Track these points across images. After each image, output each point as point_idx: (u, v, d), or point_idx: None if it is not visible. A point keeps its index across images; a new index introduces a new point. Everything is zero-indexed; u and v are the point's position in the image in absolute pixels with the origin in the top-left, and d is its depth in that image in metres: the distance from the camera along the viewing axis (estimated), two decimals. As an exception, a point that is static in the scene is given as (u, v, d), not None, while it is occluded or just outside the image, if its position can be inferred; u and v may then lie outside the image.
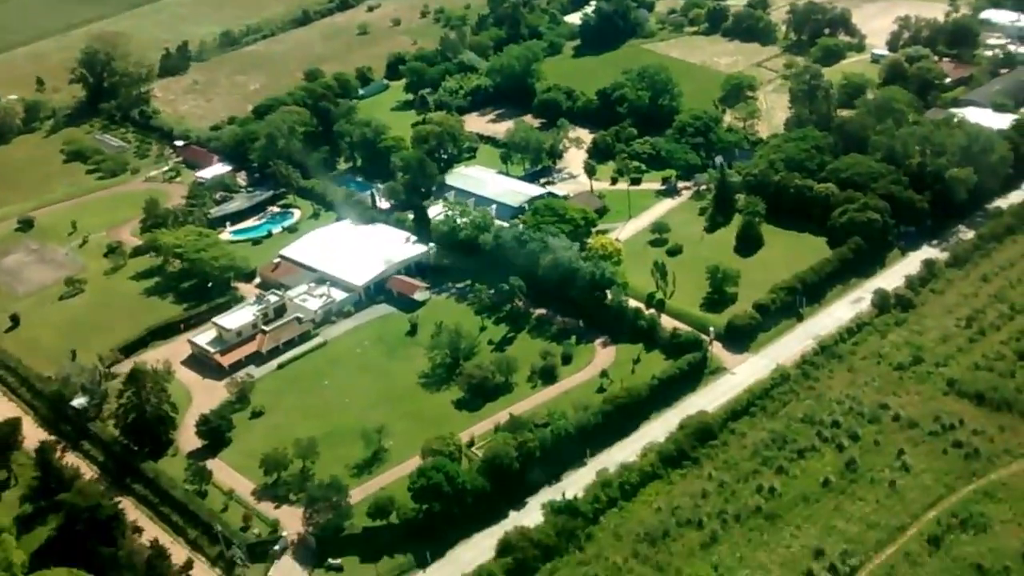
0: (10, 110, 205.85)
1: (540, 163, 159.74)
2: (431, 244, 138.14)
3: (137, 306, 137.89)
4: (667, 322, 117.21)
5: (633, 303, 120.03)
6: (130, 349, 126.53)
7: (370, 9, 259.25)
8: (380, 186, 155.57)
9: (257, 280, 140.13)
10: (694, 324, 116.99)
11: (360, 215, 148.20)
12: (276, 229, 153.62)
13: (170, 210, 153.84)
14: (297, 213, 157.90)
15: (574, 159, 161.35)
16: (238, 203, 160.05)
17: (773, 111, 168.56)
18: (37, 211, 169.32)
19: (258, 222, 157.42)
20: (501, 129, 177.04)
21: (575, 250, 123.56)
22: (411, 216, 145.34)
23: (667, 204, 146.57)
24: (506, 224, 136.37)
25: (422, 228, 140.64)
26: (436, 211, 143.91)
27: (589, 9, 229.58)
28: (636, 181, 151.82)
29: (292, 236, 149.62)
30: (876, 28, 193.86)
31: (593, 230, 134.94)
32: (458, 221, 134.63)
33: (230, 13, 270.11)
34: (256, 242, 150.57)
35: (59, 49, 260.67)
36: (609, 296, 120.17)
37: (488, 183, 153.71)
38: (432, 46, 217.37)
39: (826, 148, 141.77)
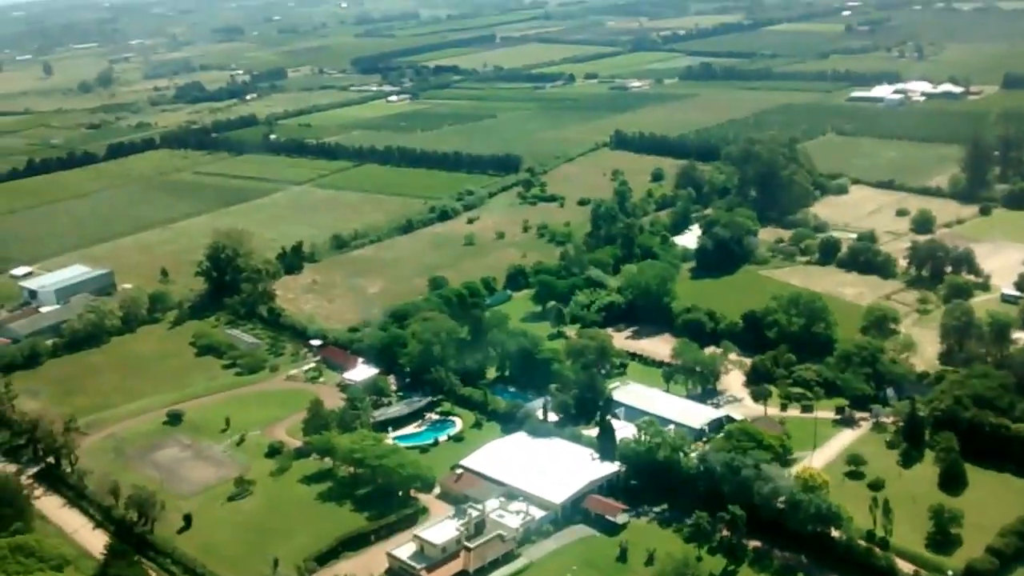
0: (138, 300, 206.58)
1: (707, 384, 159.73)
2: (619, 463, 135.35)
3: (313, 512, 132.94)
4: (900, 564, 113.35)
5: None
6: (322, 559, 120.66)
7: (470, 221, 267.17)
8: (549, 398, 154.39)
9: (437, 491, 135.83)
10: (925, 566, 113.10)
11: (533, 428, 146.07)
12: (442, 437, 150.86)
13: (334, 412, 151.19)
14: (459, 421, 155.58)
15: (729, 382, 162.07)
16: (398, 409, 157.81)
17: (921, 345, 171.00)
18: (180, 405, 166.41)
19: (418, 429, 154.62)
20: (640, 346, 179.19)
21: (792, 480, 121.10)
22: (586, 431, 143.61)
23: (848, 434, 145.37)
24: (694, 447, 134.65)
25: (607, 445, 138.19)
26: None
27: (694, 230, 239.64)
28: (808, 408, 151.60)
29: (460, 446, 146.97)
30: (995, 267, 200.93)
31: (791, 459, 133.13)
32: (653, 441, 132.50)
33: (328, 216, 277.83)
34: (423, 450, 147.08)
35: (162, 241, 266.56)
36: (836, 532, 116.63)
37: (659, 402, 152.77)
38: (537, 259, 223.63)
39: (1010, 386, 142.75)
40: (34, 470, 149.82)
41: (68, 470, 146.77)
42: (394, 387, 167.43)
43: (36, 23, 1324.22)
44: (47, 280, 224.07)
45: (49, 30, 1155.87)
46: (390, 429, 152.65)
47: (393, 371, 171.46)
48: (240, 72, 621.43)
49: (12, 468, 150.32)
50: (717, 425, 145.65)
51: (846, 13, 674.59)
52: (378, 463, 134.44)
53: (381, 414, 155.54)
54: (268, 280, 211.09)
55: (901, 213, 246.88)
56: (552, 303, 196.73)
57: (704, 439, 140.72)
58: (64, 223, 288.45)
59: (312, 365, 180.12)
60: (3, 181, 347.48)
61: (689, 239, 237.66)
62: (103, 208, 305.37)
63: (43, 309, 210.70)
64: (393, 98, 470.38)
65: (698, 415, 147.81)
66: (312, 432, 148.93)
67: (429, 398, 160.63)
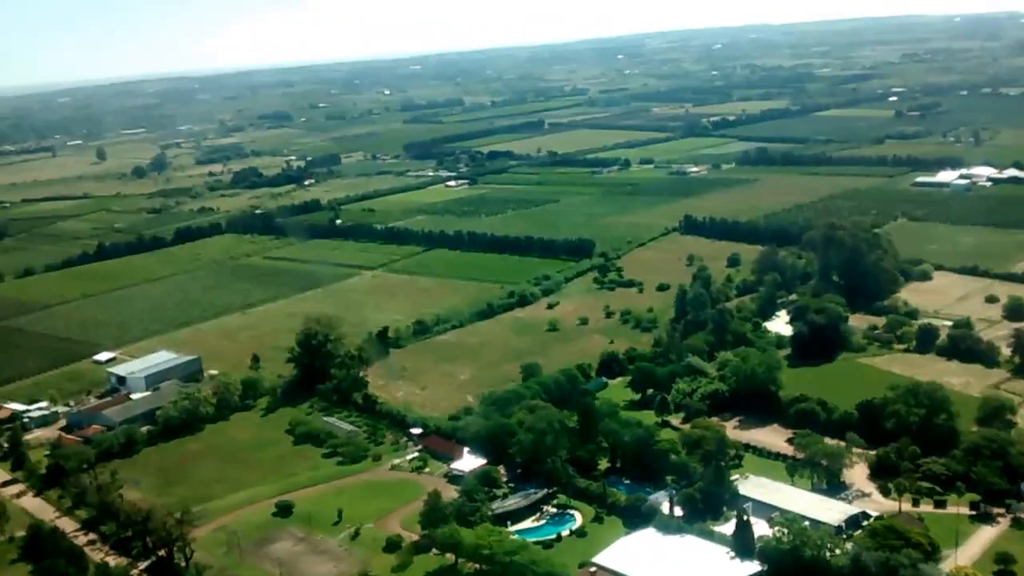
0: (231, 386, 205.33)
1: (832, 478, 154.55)
2: (759, 561, 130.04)
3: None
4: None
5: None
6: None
7: (550, 307, 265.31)
8: (674, 492, 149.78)
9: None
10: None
11: (663, 524, 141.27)
12: (564, 532, 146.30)
13: (452, 504, 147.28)
14: (578, 515, 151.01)
15: (853, 476, 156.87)
16: (515, 501, 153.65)
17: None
18: (287, 496, 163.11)
19: (537, 523, 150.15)
20: (752, 436, 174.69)
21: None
22: (715, 527, 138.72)
23: (988, 531, 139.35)
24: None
25: (745, 542, 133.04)
26: (730, 527, 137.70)
27: (781, 316, 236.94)
28: (941, 504, 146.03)
29: (583, 541, 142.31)
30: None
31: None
32: (797, 539, 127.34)
33: (405, 302, 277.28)
34: (546, 546, 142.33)
35: (243, 327, 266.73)
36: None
37: (788, 496, 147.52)
38: (625, 346, 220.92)
39: None
40: (144, 564, 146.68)
41: (183, 564, 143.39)
42: (504, 478, 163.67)
43: (82, 108, 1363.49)
44: (135, 366, 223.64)
45: (97, 115, 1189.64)
46: (508, 523, 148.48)
47: (502, 461, 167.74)
48: (293, 158, 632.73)
49: (122, 561, 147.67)
50: (854, 521, 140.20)
51: (893, 99, 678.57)
52: (508, 560, 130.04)
53: (499, 507, 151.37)
54: (360, 366, 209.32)
55: (991, 300, 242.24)
56: (651, 391, 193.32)
57: (844, 536, 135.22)
58: (141, 308, 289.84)
59: (415, 454, 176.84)
60: (75, 265, 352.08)
61: (778, 325, 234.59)
62: (178, 292, 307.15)
63: (134, 396, 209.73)
64: (451, 183, 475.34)
65: (833, 511, 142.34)
66: (429, 525, 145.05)
67: (545, 490, 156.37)
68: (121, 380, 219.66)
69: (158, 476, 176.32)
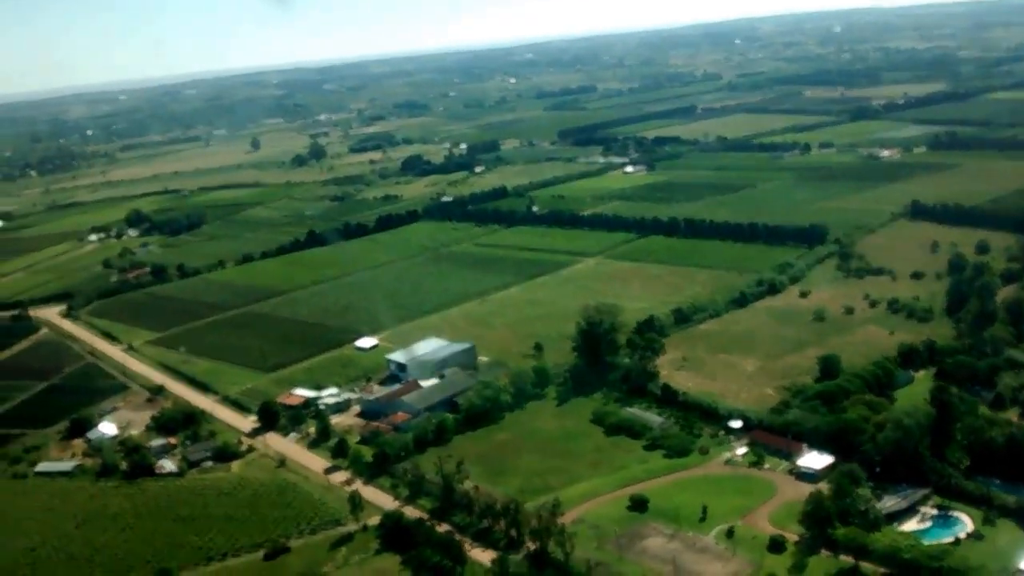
0: (524, 375, 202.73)
1: None
2: None
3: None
4: None
5: None
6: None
7: (803, 295, 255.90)
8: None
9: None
10: None
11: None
12: (959, 535, 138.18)
13: (838, 504, 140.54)
14: (965, 518, 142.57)
15: None
16: (895, 502, 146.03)
17: None
18: (627, 489, 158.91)
19: (922, 526, 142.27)
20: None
21: None
22: None
23: None
24: None
25: None
26: None
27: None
28: None
29: (982, 545, 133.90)
30: None
31: None
32: None
33: (640, 289, 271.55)
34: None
35: (489, 313, 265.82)
36: None
37: None
38: (906, 337, 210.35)
39: None
40: (517, 556, 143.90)
41: (561, 557, 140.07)
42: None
43: (213, 99, 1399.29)
44: (415, 353, 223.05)
45: (231, 106, 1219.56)
46: (895, 524, 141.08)
47: (851, 459, 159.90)
48: (448, 145, 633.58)
49: (491, 553, 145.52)
50: None
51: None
52: (938, 566, 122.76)
53: (884, 508, 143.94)
54: (652, 356, 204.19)
55: None
56: (971, 386, 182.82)
57: None
58: (376, 294, 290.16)
59: (745, 449, 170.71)
60: (288, 252, 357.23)
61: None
62: (405, 279, 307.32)
63: (423, 383, 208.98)
64: (629, 169, 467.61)
65: None
66: (814, 525, 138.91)
67: (924, 490, 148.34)
68: (401, 367, 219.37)
69: (481, 465, 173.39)
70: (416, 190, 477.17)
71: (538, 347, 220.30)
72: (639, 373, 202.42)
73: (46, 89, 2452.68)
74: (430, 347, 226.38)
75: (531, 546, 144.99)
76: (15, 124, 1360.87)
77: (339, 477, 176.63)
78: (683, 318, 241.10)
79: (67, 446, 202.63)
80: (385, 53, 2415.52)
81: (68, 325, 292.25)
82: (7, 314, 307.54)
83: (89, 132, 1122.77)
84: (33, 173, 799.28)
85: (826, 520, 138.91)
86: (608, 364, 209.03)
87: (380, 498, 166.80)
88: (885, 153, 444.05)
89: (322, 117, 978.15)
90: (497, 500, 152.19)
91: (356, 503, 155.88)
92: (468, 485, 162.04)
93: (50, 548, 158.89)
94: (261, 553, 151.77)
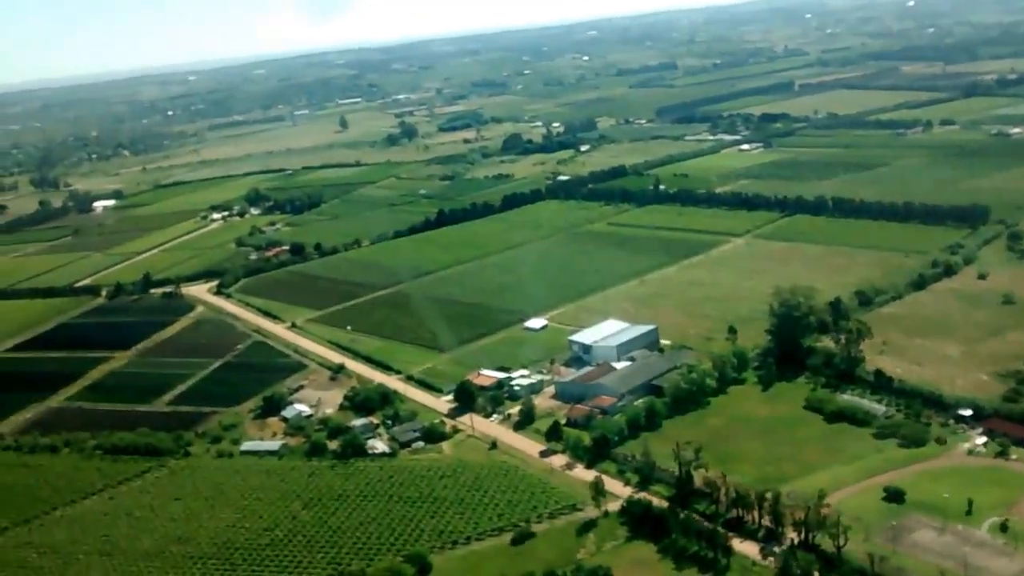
0: (725, 359, 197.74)
1: None
2: None
3: None
4: None
5: None
6: None
7: (981, 277, 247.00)
8: None
9: None
10: None
11: None
12: None
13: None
14: None
15: None
16: None
17: None
18: (871, 480, 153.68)
19: None
20: None
21: None
22: None
23: None
24: None
25: None
26: None
27: None
28: None
29: None
30: None
31: None
32: None
33: (806, 270, 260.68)
34: None
35: (653, 295, 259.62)
36: None
37: None
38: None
39: None
40: (779, 548, 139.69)
41: (833, 550, 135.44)
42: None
43: (284, 79, 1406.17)
44: (598, 335, 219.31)
45: (306, 87, 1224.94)
46: None
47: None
48: (546, 123, 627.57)
49: (748, 545, 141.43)
50: None
51: None
52: None
53: None
54: (858, 340, 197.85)
55: None
56: None
57: None
58: (526, 274, 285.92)
59: (985, 439, 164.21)
60: (419, 231, 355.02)
61: None
62: (550, 259, 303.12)
63: (615, 365, 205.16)
64: (745, 147, 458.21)
65: None
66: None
67: None
68: (586, 349, 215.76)
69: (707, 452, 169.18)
70: (524, 169, 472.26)
71: (731, 330, 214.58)
72: (844, 358, 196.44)
73: (111, 71, 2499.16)
74: (611, 329, 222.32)
75: (793, 537, 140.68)
76: (91, 105, 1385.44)
77: (557, 461, 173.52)
78: (866, 300, 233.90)
79: (263, 425, 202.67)
80: (445, 33, 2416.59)
81: (221, 303, 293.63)
82: (157, 291, 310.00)
83: (170, 112, 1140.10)
84: (126, 153, 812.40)
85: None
86: (806, 348, 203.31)
87: (607, 484, 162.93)
88: (1016, 130, 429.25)
89: (400, 97, 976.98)
90: (749, 489, 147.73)
91: (599, 489, 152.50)
92: (704, 472, 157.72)
93: (285, 530, 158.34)
94: (506, 537, 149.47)
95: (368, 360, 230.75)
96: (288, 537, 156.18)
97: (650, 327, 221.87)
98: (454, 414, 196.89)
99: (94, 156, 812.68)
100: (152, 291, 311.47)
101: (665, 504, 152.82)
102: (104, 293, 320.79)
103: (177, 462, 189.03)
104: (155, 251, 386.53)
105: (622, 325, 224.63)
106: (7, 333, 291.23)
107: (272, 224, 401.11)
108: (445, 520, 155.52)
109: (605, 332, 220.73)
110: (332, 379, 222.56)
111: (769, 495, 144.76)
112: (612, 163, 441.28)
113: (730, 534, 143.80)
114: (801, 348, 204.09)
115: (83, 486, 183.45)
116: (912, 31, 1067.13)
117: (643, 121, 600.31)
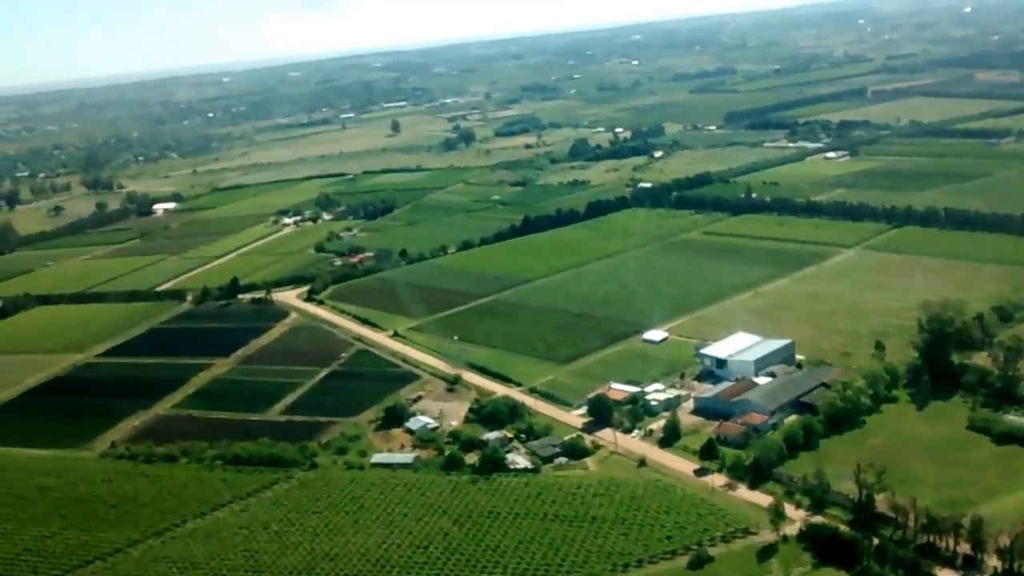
0: (878, 376, 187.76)
1: None
2: None
3: None
4: None
5: None
6: None
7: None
8: None
9: None
10: None
11: None
12: None
13: None
14: None
15: None
16: None
17: None
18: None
19: None
20: None
21: None
22: None
23: None
24: None
25: None
26: None
27: None
28: None
29: None
30: None
31: None
32: None
33: (930, 284, 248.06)
34: None
35: (772, 307, 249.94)
36: None
37: None
38: None
39: None
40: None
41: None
42: None
43: (323, 82, 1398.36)
44: (732, 349, 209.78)
45: (347, 89, 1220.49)
46: None
47: None
48: (608, 128, 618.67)
49: (948, 573, 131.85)
50: None
51: None
52: None
53: None
54: (1018, 358, 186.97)
55: None
56: None
57: None
58: (631, 284, 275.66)
59: None
60: (506, 239, 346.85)
61: None
62: (652, 269, 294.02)
63: (759, 380, 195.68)
64: (831, 155, 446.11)
65: None
66: None
67: None
68: (720, 363, 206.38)
69: (868, 474, 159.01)
70: (598, 175, 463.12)
71: (879, 346, 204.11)
72: (1002, 376, 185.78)
73: (137, 71, 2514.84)
74: (744, 342, 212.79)
75: (996, 566, 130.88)
76: (127, 106, 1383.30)
77: (715, 480, 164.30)
78: (1006, 316, 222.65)
79: (387, 436, 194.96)
80: (484, 35, 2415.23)
81: (315, 309, 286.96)
82: (244, 297, 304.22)
83: (210, 114, 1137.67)
84: (174, 155, 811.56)
85: None
86: (958, 366, 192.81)
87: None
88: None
89: (448, 100, 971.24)
90: (945, 515, 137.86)
91: (779, 512, 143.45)
92: (890, 496, 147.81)
93: (440, 548, 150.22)
94: (681, 561, 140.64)
95: (483, 371, 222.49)
96: (445, 556, 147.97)
97: (786, 341, 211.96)
98: (589, 428, 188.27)
99: (140, 158, 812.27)
100: (239, 296, 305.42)
101: (846, 528, 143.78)
102: (190, 298, 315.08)
103: (305, 474, 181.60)
104: (232, 255, 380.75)
105: (754, 339, 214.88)
106: (97, 337, 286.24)
107: (348, 230, 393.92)
108: (610, 541, 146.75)
109: (738, 346, 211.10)
110: (449, 390, 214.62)
111: (966, 520, 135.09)
112: (692, 170, 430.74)
113: (927, 561, 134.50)
114: (952, 365, 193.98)
115: (210, 497, 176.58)
116: (974, 38, 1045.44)
117: (712, 127, 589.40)
